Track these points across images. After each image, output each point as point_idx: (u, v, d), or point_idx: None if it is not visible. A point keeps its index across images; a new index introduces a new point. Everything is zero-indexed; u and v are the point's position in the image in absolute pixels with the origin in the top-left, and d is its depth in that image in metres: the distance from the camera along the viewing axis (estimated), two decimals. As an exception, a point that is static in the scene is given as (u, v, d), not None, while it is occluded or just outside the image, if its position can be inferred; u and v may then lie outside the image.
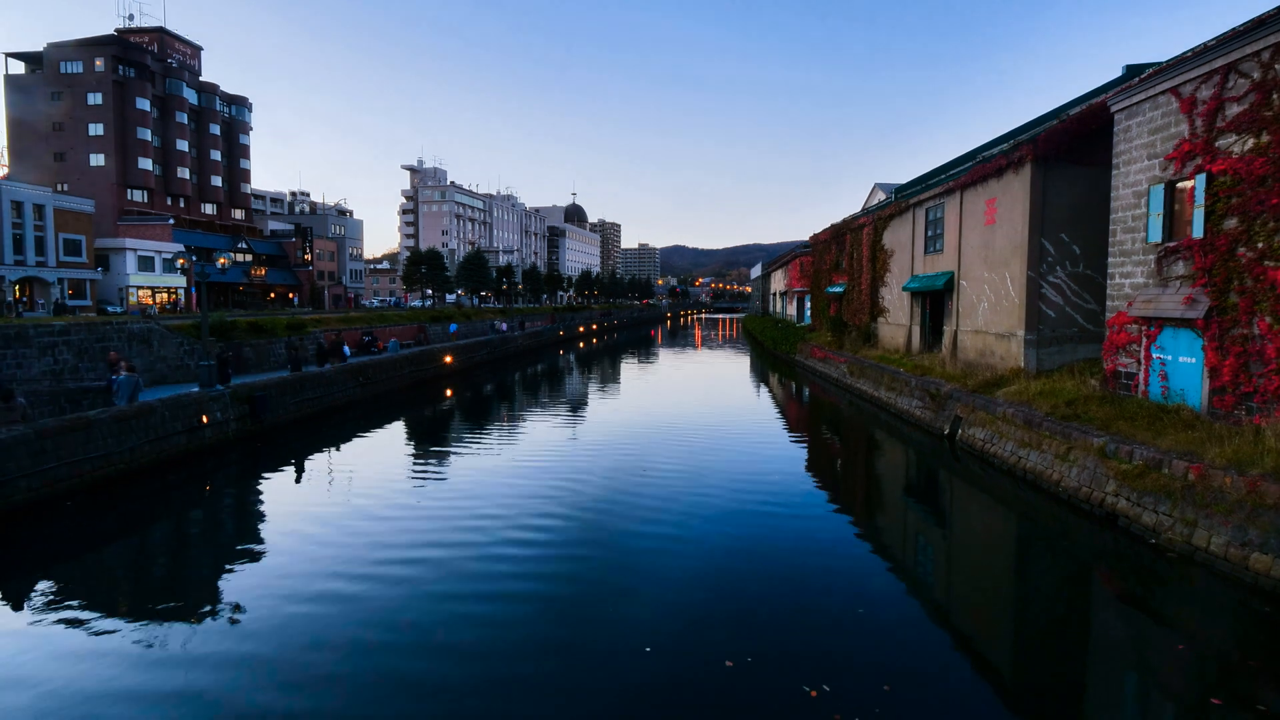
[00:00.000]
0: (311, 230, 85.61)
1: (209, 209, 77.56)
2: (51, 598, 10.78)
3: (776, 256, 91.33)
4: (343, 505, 15.36)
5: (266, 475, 18.83)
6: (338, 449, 21.89)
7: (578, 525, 13.76)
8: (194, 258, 24.86)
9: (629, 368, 48.54)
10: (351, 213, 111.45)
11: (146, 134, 67.57)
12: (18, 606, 10.42)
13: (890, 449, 22.08)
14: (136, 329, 25.64)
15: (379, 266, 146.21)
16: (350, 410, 28.71)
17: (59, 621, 9.82)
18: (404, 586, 10.73)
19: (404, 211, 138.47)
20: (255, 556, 12.44)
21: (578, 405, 30.24)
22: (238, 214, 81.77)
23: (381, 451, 21.82)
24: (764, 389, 37.24)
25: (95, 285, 56.29)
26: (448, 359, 42.32)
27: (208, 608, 10.25)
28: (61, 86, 65.19)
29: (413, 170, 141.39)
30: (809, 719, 7.37)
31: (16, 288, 49.46)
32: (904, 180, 37.27)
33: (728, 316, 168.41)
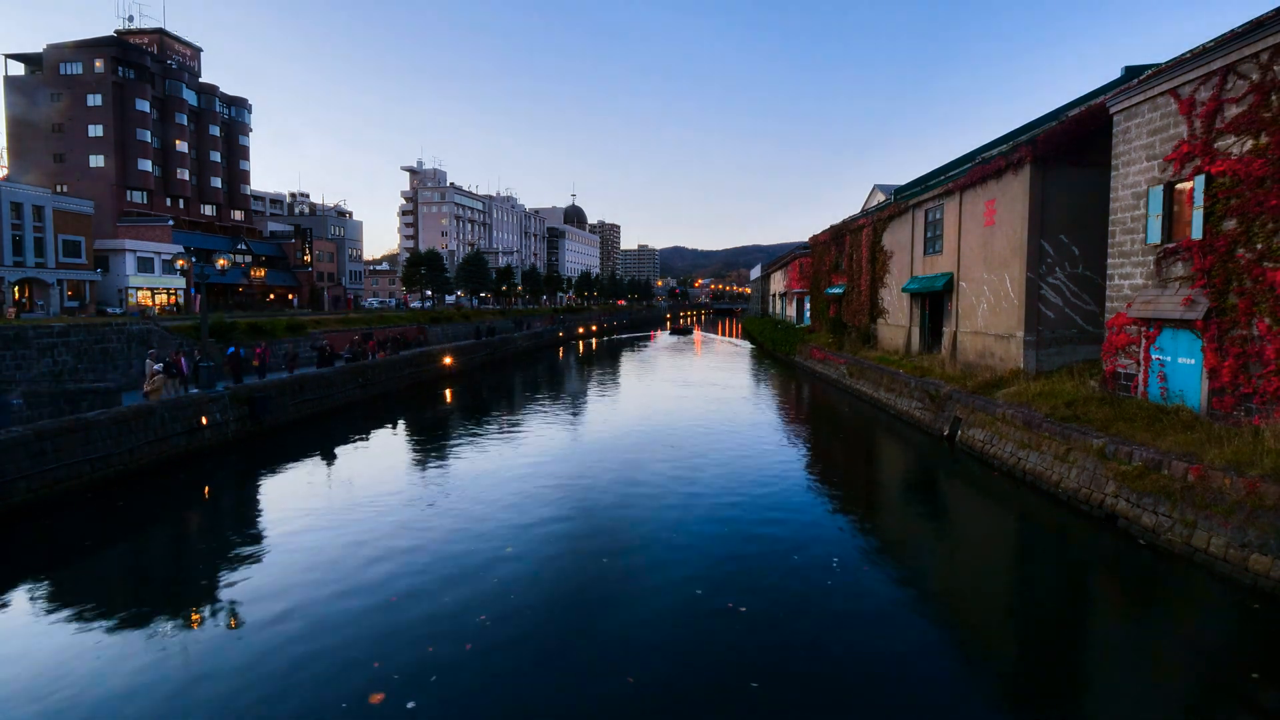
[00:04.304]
0: (311, 231, 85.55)
1: (208, 210, 77.45)
2: (51, 598, 10.77)
3: (776, 258, 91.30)
4: (342, 506, 15.36)
5: (266, 476, 18.82)
6: (337, 450, 21.87)
7: (577, 524, 13.77)
8: (193, 259, 24.87)
9: (628, 369, 48.54)
10: (351, 214, 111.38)
11: (146, 135, 67.49)
12: (18, 607, 10.41)
13: (890, 450, 22.09)
14: (136, 330, 25.64)
15: (378, 268, 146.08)
16: (350, 411, 28.70)
17: (59, 622, 9.82)
18: (403, 586, 10.73)
19: (403, 213, 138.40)
20: (254, 557, 12.43)
21: (577, 406, 30.24)
22: (237, 215, 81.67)
23: (381, 452, 21.82)
24: (763, 390, 37.24)
25: (95, 286, 56.23)
26: (447, 360, 42.32)
27: (207, 608, 10.25)
28: (61, 88, 65.11)
29: (412, 171, 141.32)
30: (807, 718, 7.38)
31: (16, 289, 49.41)
32: (903, 181, 37.32)
33: (727, 318, 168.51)
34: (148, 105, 67.75)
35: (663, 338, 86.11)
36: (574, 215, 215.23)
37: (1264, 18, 12.94)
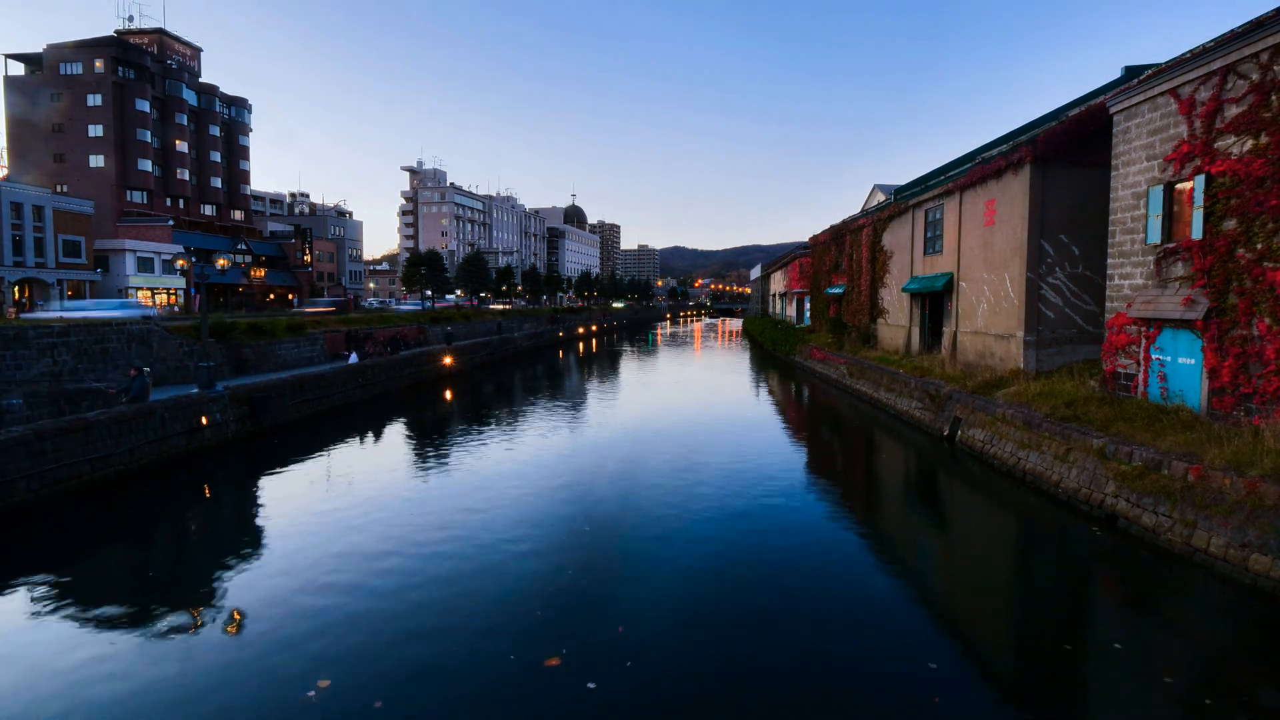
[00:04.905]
0: (311, 231, 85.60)
1: (208, 210, 77.47)
2: (51, 598, 10.77)
3: (776, 258, 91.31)
4: (342, 505, 15.35)
5: (266, 476, 18.82)
6: (337, 450, 21.87)
7: (577, 524, 13.77)
8: (193, 259, 24.89)
9: (628, 369, 48.56)
10: (351, 214, 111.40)
11: (146, 135, 67.51)
12: (18, 607, 10.41)
13: (890, 450, 22.08)
14: (135, 330, 25.62)
15: (378, 267, 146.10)
16: (350, 411, 28.70)
17: (59, 622, 9.81)
18: (404, 585, 10.73)
19: (403, 212, 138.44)
20: (255, 557, 12.43)
21: (576, 405, 30.25)
22: (237, 215, 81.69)
23: (381, 452, 21.81)
24: (763, 390, 37.25)
25: (95, 286, 56.26)
26: (447, 360, 42.32)
27: (208, 608, 10.25)
28: (61, 88, 65.13)
29: (412, 171, 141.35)
30: (805, 718, 7.38)
31: (16, 289, 49.43)
32: (903, 181, 37.32)
33: (727, 318, 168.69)
34: (148, 105, 67.77)
35: (663, 338, 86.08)
36: (574, 215, 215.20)
37: (1264, 18, 12.94)
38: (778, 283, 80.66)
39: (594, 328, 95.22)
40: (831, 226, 46.04)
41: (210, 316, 27.32)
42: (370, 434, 24.55)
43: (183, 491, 17.37)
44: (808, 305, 57.80)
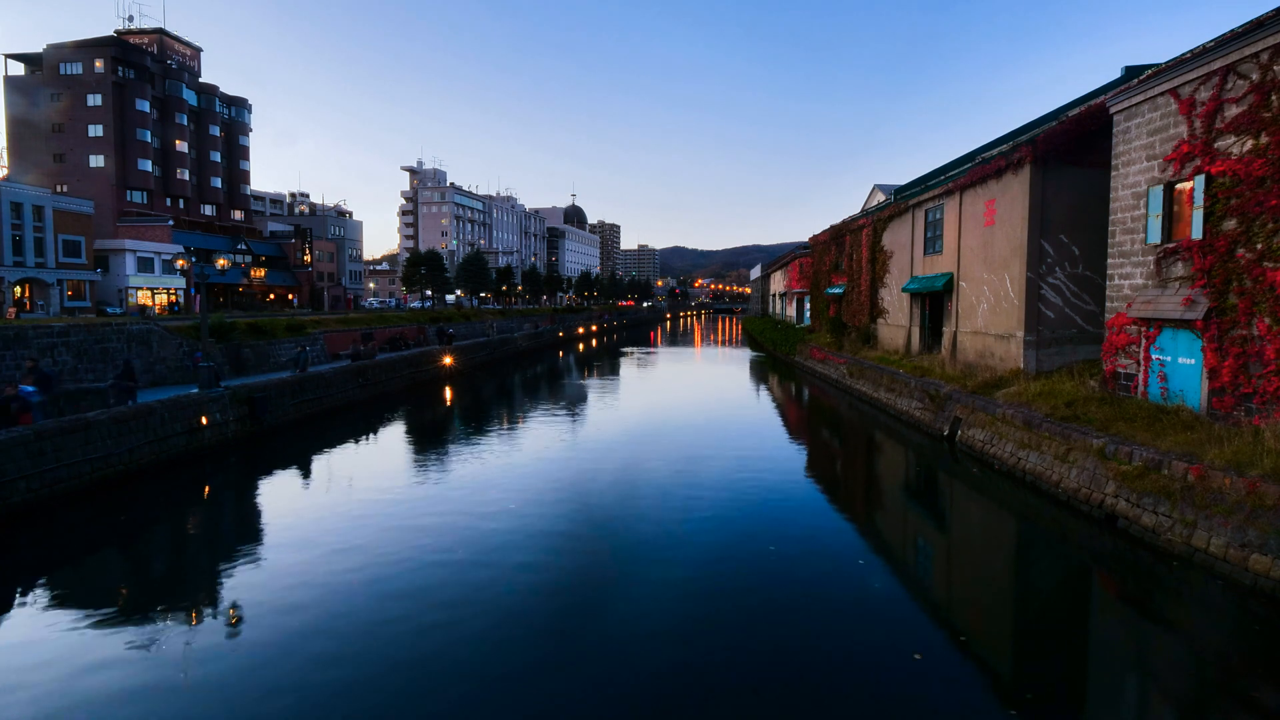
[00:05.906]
0: (311, 231, 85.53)
1: (208, 210, 77.43)
2: (51, 598, 10.78)
3: (776, 258, 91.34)
4: (342, 506, 15.36)
5: (266, 476, 18.83)
6: (337, 450, 21.87)
7: (577, 524, 13.76)
8: (193, 259, 24.90)
9: (628, 369, 48.56)
10: (351, 214, 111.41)
11: (146, 135, 67.48)
12: (18, 607, 10.41)
13: (890, 450, 22.08)
14: (136, 330, 25.63)
15: (378, 268, 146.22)
16: (350, 411, 28.70)
17: (59, 622, 9.81)
18: (404, 585, 10.72)
19: (403, 213, 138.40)
20: (254, 557, 12.43)
21: (576, 406, 30.24)
22: (237, 215, 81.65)
23: (381, 452, 21.82)
24: (763, 390, 37.25)
25: (95, 286, 56.23)
26: (447, 360, 42.32)
27: (208, 608, 10.25)
28: (61, 88, 65.10)
29: (412, 171, 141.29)
30: (806, 717, 7.38)
31: (16, 289, 49.42)
32: (903, 181, 37.32)
33: (727, 317, 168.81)
34: (148, 105, 67.74)
35: (662, 337, 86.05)
36: (574, 215, 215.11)
37: (1264, 18, 12.94)
38: (778, 283, 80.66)
39: (594, 328, 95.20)
40: (831, 226, 46.03)
41: (210, 316, 27.33)
42: (370, 434, 24.56)
43: (183, 492, 17.36)
44: (808, 305, 57.78)
